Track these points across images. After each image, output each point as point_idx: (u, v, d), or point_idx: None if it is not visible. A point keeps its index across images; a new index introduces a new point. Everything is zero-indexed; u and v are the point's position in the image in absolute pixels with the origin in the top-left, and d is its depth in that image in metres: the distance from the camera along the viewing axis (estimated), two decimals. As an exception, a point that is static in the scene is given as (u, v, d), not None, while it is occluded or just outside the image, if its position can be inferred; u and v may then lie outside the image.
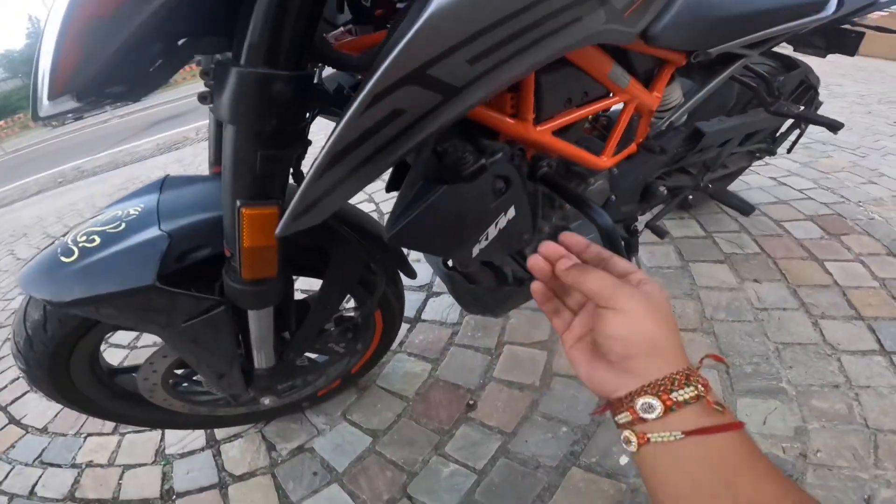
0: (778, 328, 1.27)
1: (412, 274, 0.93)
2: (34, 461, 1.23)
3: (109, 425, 1.28)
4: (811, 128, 2.70)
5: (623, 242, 1.18)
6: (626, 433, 0.36)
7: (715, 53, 0.86)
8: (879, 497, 0.89)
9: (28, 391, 1.49)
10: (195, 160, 4.30)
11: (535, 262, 0.44)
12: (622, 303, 0.37)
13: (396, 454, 1.08)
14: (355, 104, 0.44)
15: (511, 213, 0.70)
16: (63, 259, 0.62)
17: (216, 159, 0.77)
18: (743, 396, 1.10)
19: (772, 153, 1.54)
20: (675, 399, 0.34)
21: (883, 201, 1.86)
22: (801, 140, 2.22)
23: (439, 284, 1.61)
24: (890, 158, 2.30)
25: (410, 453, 1.08)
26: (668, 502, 0.35)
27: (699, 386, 0.35)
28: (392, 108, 0.45)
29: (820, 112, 1.35)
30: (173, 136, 5.92)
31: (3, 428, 1.36)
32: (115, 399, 0.92)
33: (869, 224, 1.70)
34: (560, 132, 0.74)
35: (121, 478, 1.16)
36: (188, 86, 11.13)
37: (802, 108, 1.29)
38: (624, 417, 0.37)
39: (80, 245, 0.63)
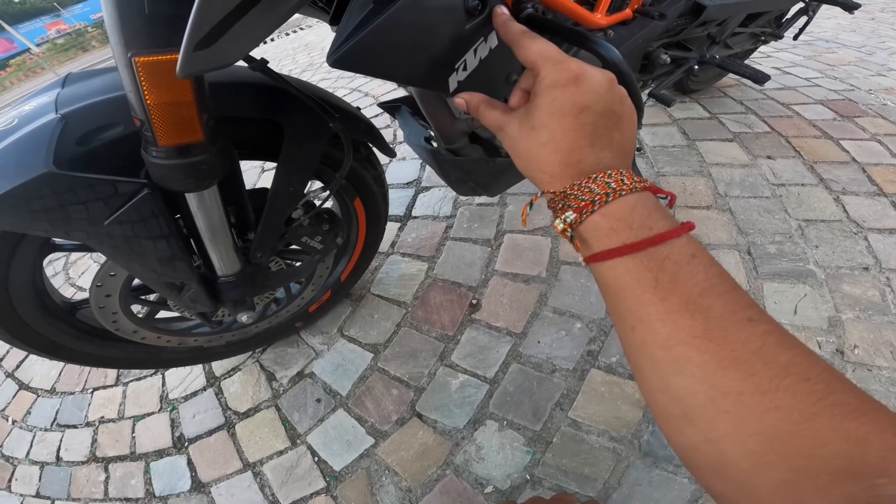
0: (798, 204, 1.13)
1: (390, 151, 0.77)
2: (52, 425, 1.14)
3: (111, 376, 1.17)
4: (813, 26, 2.51)
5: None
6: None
7: None
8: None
9: (29, 354, 1.36)
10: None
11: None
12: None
13: (400, 369, 0.95)
14: None
15: (493, 39, 0.55)
16: None
17: None
18: (770, 280, 0.95)
19: (778, 37, 1.38)
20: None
21: (894, 90, 1.70)
22: (803, 38, 2.02)
23: (428, 178, 1.43)
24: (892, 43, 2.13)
25: (415, 367, 0.95)
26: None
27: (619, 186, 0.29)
28: None
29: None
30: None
31: (15, 395, 1.25)
32: (85, 339, 0.78)
33: (882, 108, 1.52)
34: None
35: (133, 430, 1.06)
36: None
37: None
38: (558, 224, 0.31)
39: None
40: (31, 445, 1.10)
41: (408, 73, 0.50)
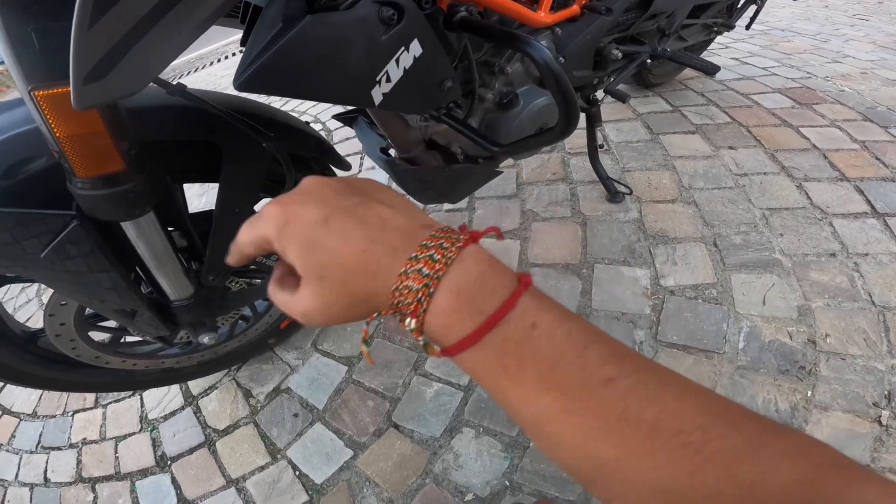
0: (761, 193, 1.10)
1: (343, 164, 0.72)
2: (37, 447, 1.11)
3: (90, 399, 1.14)
4: (768, 16, 2.51)
5: (584, 113, 0.98)
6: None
7: None
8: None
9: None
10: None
11: None
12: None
13: (375, 380, 0.91)
14: None
15: (416, 48, 0.51)
16: None
17: None
18: (737, 272, 0.91)
19: (730, 27, 1.35)
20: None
21: (851, 76, 1.66)
22: (759, 27, 2.00)
23: (394, 186, 1.41)
24: (853, 44, 2.08)
25: (389, 377, 0.91)
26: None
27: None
28: None
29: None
30: None
31: None
32: (50, 365, 0.74)
33: (840, 95, 1.50)
34: None
35: (116, 451, 1.03)
36: None
37: None
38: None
39: None
40: (19, 468, 1.07)
41: (325, 91, 0.46)
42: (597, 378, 0.21)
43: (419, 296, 0.23)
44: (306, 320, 0.27)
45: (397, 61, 0.49)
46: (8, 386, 1.27)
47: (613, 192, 1.12)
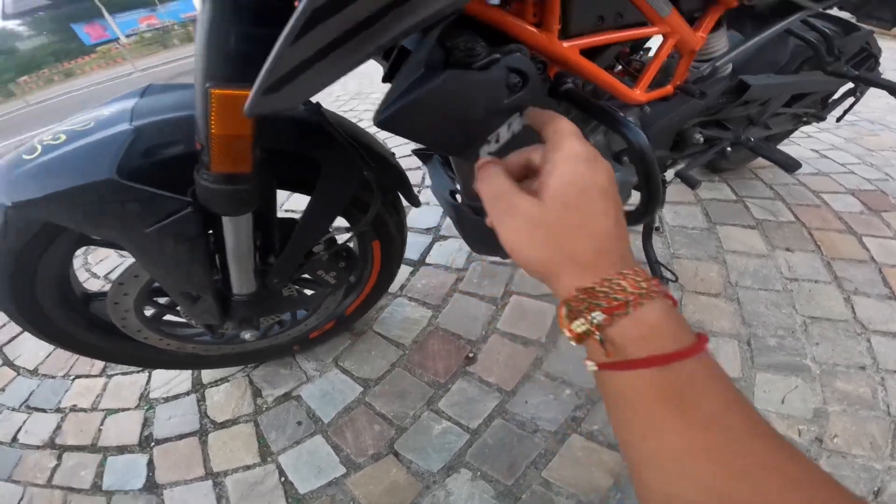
0: (808, 301, 1.21)
1: (415, 201, 0.87)
2: (21, 406, 1.24)
3: (98, 367, 1.28)
4: (862, 105, 2.59)
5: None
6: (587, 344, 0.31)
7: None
8: (889, 490, 0.84)
9: (23, 332, 1.49)
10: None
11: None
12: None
13: (386, 406, 1.04)
14: None
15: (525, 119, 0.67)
16: (25, 157, 0.59)
17: None
18: (764, 371, 1.03)
19: (821, 119, 1.45)
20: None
21: None
22: (847, 118, 2.11)
23: (447, 228, 1.56)
24: None
25: (401, 406, 1.04)
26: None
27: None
28: None
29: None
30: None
31: None
32: (91, 330, 0.88)
33: None
34: (589, 56, 0.67)
35: (102, 423, 1.15)
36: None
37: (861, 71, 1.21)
38: (579, 326, 0.30)
39: (45, 143, 0.60)
40: None
41: (444, 142, 0.59)
42: (758, 430, 0.25)
43: (629, 298, 0.28)
44: (519, 224, 0.32)
45: (510, 125, 0.61)
46: (19, 338, 1.46)
47: (659, 277, 1.24)
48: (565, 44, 0.63)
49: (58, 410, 1.21)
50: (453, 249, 1.45)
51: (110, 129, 0.61)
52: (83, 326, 0.87)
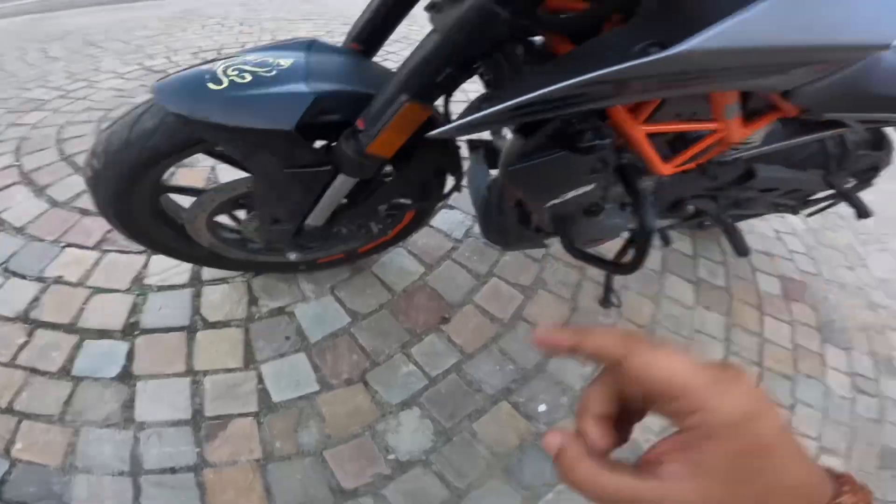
0: (701, 350, 1.58)
1: (460, 187, 1.14)
2: None
3: (94, 237, 1.36)
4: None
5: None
6: None
7: (828, 118, 0.91)
8: None
9: (17, 182, 1.50)
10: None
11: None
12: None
13: (367, 341, 1.32)
14: (579, 79, 0.59)
15: (589, 187, 0.91)
16: (211, 86, 0.77)
17: (358, 36, 0.93)
18: None
19: (794, 212, 1.70)
20: None
21: (846, 288, 2.18)
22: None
23: (456, 199, 1.79)
24: (884, 256, 2.57)
25: (380, 344, 1.32)
26: None
27: None
28: (590, 91, 0.63)
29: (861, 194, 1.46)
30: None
31: None
32: (156, 218, 1.07)
33: (821, 301, 2.02)
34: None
35: (86, 301, 1.23)
36: None
37: (852, 184, 1.44)
38: None
39: (231, 78, 0.78)
40: None
41: (538, 194, 0.89)
42: None
43: None
44: None
45: (575, 191, 0.89)
46: (10, 189, 1.48)
47: (607, 300, 1.49)
48: (642, 126, 0.82)
49: (39, 279, 1.25)
50: (457, 220, 1.72)
51: (291, 85, 0.79)
52: (149, 214, 1.05)
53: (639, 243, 0.98)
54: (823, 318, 1.93)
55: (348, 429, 1.16)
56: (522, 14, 0.66)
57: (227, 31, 3.19)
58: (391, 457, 1.14)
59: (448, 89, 0.79)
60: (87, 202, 1.43)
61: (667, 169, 0.93)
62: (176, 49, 2.78)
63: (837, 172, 1.31)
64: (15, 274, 1.23)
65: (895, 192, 3.51)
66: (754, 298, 1.86)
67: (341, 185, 0.94)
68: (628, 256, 1.05)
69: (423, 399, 1.24)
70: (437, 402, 1.24)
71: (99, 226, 1.40)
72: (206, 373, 1.17)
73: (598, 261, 1.12)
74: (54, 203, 1.50)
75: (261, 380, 1.19)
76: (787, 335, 1.78)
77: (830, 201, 1.59)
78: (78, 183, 1.56)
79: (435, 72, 0.74)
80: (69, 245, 1.31)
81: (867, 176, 1.55)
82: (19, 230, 1.32)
